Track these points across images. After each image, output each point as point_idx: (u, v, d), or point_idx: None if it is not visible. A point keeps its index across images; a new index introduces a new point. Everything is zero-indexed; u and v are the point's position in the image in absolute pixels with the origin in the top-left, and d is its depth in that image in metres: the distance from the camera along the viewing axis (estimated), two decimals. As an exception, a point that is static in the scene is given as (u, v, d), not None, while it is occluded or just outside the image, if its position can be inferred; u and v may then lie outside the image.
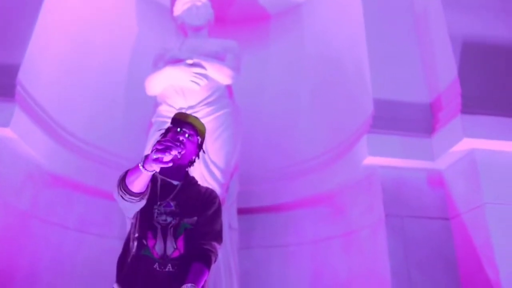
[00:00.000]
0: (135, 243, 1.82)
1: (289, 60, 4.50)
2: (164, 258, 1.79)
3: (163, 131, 2.09)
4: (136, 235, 1.83)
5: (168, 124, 2.10)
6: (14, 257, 3.13)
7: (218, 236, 1.92)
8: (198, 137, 2.05)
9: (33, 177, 3.31)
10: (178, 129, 1.98)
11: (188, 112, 3.03)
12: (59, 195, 3.54)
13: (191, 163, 2.06)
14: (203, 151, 2.17)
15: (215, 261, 1.89)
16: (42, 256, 3.33)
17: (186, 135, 1.97)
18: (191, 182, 2.06)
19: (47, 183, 3.46)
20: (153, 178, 1.93)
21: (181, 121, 2.02)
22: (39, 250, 3.32)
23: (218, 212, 1.98)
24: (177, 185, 1.96)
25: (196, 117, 2.10)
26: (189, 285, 1.67)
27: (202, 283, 1.76)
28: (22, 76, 3.11)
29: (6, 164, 3.04)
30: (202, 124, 2.09)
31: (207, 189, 2.08)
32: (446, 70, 3.09)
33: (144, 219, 1.85)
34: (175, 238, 1.82)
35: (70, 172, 3.55)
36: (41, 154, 3.24)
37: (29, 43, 3.20)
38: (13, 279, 3.11)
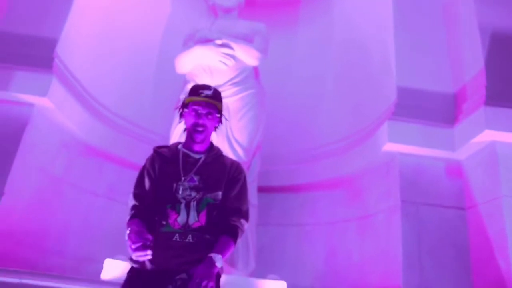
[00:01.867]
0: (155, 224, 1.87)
1: (316, 44, 4.51)
2: (186, 227, 1.82)
3: (179, 107, 2.03)
4: (156, 217, 1.87)
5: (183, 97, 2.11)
6: (47, 219, 3.35)
7: (246, 214, 1.97)
8: (217, 112, 1.99)
9: (67, 145, 3.51)
10: (196, 106, 1.95)
11: None
12: (90, 164, 3.74)
13: (216, 128, 2.04)
14: (225, 118, 2.17)
15: (240, 237, 1.94)
16: (73, 218, 3.55)
17: (205, 115, 1.95)
18: (217, 154, 2.04)
19: (80, 151, 3.65)
20: (175, 154, 1.99)
21: (195, 102, 1.96)
22: (70, 213, 3.54)
23: (244, 188, 2.00)
24: (199, 159, 1.98)
25: (209, 94, 1.98)
26: (215, 254, 1.74)
27: (227, 255, 1.82)
28: (60, 50, 3.28)
29: (43, 131, 3.23)
30: (216, 97, 2.00)
31: (232, 162, 2.06)
32: (473, 61, 3.06)
33: (165, 199, 1.88)
34: (198, 213, 1.86)
35: (102, 143, 3.74)
36: (75, 124, 3.42)
37: (67, 19, 3.36)
38: (47, 238, 3.34)
